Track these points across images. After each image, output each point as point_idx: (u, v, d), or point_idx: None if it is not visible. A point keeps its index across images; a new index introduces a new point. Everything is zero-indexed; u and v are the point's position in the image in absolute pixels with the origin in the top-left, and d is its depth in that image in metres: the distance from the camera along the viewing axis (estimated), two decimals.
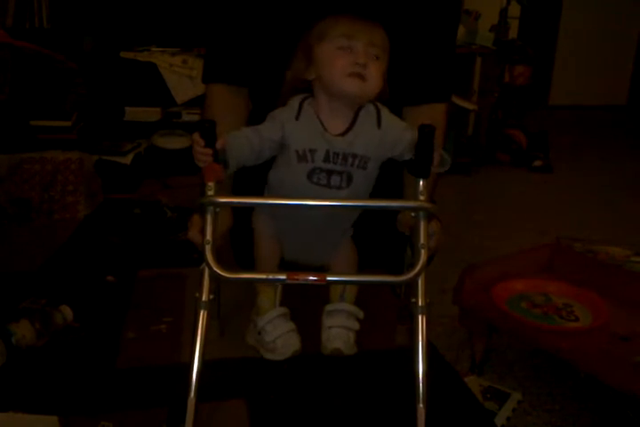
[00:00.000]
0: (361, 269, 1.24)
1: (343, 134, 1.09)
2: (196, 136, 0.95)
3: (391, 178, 1.20)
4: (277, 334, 1.19)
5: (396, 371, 1.16)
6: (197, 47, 3.05)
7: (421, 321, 0.99)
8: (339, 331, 1.20)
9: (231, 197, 1.09)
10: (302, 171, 1.09)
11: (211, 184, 0.98)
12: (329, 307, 1.22)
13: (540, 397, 1.52)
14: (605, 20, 5.63)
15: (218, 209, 0.99)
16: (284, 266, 1.22)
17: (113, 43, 3.05)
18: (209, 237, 0.97)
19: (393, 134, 1.10)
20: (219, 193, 0.99)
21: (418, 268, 0.97)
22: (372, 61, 1.05)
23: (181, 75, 3.03)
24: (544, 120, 4.73)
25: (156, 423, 1.04)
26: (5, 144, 2.42)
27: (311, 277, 0.96)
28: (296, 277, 0.95)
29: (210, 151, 0.95)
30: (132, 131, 3.06)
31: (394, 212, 1.21)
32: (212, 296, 1.00)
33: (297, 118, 1.09)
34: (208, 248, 0.96)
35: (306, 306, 1.26)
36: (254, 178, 1.18)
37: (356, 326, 1.21)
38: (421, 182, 1.03)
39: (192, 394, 0.95)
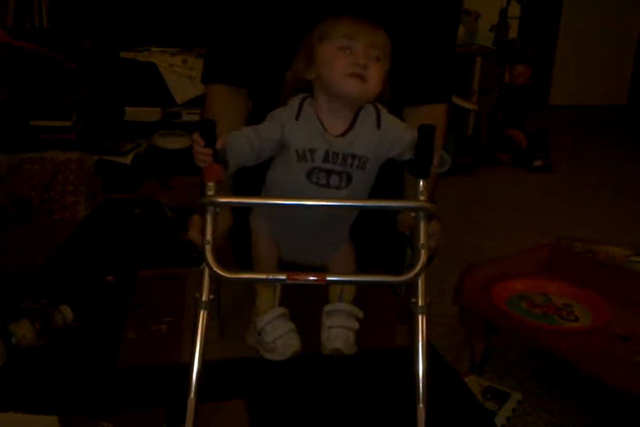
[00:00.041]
0: (361, 270, 1.24)
1: (343, 135, 1.09)
2: (196, 136, 0.95)
3: (391, 178, 1.20)
4: (277, 335, 1.19)
5: (396, 371, 1.16)
6: (197, 47, 3.05)
7: (421, 321, 0.99)
8: (338, 331, 1.19)
9: (231, 197, 1.09)
10: (302, 170, 1.09)
11: (211, 184, 0.98)
12: (328, 307, 1.22)
13: (539, 397, 1.52)
14: (605, 20, 5.63)
15: (218, 209, 0.99)
16: (282, 266, 1.22)
17: (113, 43, 3.05)
18: (209, 237, 0.97)
19: (392, 135, 1.10)
20: (219, 193, 0.99)
21: (418, 268, 0.97)
22: (373, 63, 1.05)
23: (181, 75, 3.03)
24: (544, 120, 4.74)
25: (156, 423, 1.04)
26: (5, 144, 2.42)
27: (311, 278, 0.95)
28: (296, 277, 0.95)
29: (210, 151, 0.95)
30: (132, 131, 3.06)
31: (394, 212, 1.21)
32: (212, 296, 1.00)
33: (297, 118, 1.09)
34: (208, 248, 0.96)
35: (305, 306, 1.26)
36: (252, 178, 1.18)
37: (356, 325, 1.21)
38: (421, 182, 1.03)
39: (192, 394, 0.95)
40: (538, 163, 3.82)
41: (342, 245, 1.24)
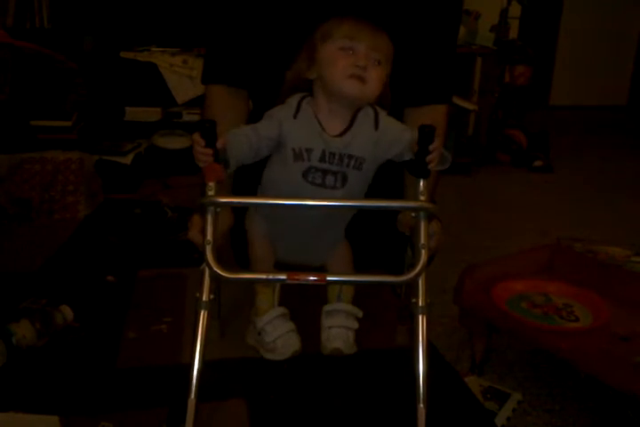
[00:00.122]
0: (361, 270, 1.24)
1: (341, 135, 1.09)
2: (197, 136, 0.95)
3: (391, 179, 1.20)
4: (277, 335, 1.19)
5: (397, 371, 1.16)
6: (197, 47, 3.05)
7: (422, 321, 0.99)
8: (338, 331, 1.20)
9: (232, 197, 1.09)
10: (298, 169, 1.09)
11: (211, 184, 0.98)
12: (327, 307, 1.22)
13: (539, 397, 1.52)
14: (605, 20, 5.64)
15: (218, 209, 0.99)
16: (279, 267, 1.22)
17: (113, 43, 3.05)
18: (209, 237, 0.97)
19: (391, 134, 1.10)
20: (219, 193, 0.99)
21: (418, 268, 0.97)
22: (374, 65, 1.06)
23: (182, 75, 3.03)
24: (544, 120, 4.74)
25: (157, 423, 1.04)
26: (6, 144, 2.42)
27: (311, 278, 0.96)
28: (296, 277, 0.96)
29: (210, 151, 0.95)
30: (133, 131, 3.06)
31: (394, 212, 1.21)
32: (212, 296, 1.00)
33: (295, 117, 1.09)
34: (208, 248, 0.96)
35: (305, 306, 1.26)
36: (249, 178, 1.18)
37: (356, 325, 1.21)
38: (422, 182, 1.03)
39: (192, 395, 0.95)
40: (538, 163, 3.82)
41: (339, 244, 1.24)
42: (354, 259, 1.25)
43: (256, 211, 1.21)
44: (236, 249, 1.39)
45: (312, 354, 1.20)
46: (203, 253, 0.97)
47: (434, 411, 0.96)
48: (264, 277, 1.07)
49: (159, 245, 1.99)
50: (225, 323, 1.31)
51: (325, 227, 1.18)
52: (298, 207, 1.07)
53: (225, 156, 0.99)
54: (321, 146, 1.08)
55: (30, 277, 1.65)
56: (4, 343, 1.21)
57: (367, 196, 1.16)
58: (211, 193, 0.98)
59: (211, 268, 0.96)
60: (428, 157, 1.00)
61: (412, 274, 0.97)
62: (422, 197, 1.02)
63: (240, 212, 1.22)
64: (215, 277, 0.99)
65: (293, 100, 1.11)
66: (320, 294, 1.23)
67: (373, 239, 1.38)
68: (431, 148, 0.99)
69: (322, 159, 1.08)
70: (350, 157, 1.09)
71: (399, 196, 1.22)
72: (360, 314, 1.22)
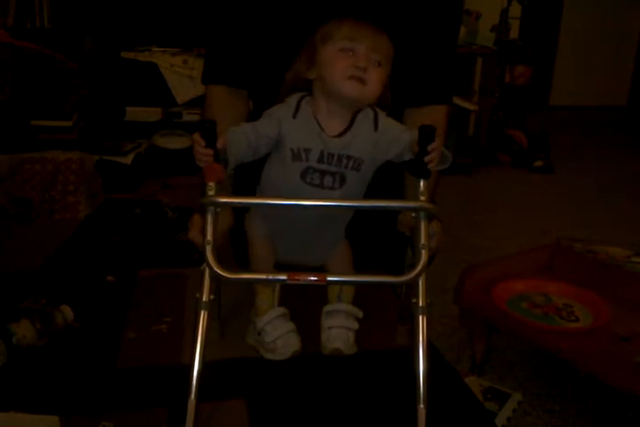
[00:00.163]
0: (361, 270, 1.24)
1: (340, 135, 1.09)
2: (197, 136, 0.95)
3: (391, 179, 1.20)
4: (277, 335, 1.19)
5: (397, 371, 1.16)
6: (198, 47, 3.05)
7: (422, 321, 0.99)
8: (338, 331, 1.20)
9: (232, 198, 1.09)
10: (296, 170, 1.09)
11: (211, 184, 0.98)
12: (327, 308, 1.22)
13: (540, 397, 1.52)
14: (605, 20, 5.64)
15: (218, 209, 0.99)
16: (279, 267, 1.22)
17: (113, 43, 3.05)
18: (209, 237, 0.97)
19: (390, 135, 1.10)
20: (219, 193, 0.99)
21: (418, 268, 0.97)
22: (374, 67, 1.06)
23: (182, 75, 3.04)
24: (545, 120, 4.74)
25: (157, 424, 1.04)
26: (6, 144, 2.42)
27: (312, 278, 0.95)
28: (297, 277, 0.95)
29: (210, 151, 0.95)
30: (133, 131, 3.06)
31: (394, 212, 1.21)
32: (212, 297, 1.00)
33: (294, 117, 1.09)
34: (209, 248, 0.96)
35: (305, 306, 1.26)
36: (248, 178, 1.18)
37: (356, 325, 1.21)
38: (422, 183, 1.03)
39: (192, 395, 0.94)
40: (538, 163, 3.82)
41: (339, 245, 1.24)
42: (354, 259, 1.25)
43: (256, 211, 1.21)
44: (235, 249, 1.39)
45: (312, 354, 1.20)
46: (203, 254, 0.97)
47: (434, 411, 0.96)
48: (264, 277, 1.07)
49: (159, 245, 1.99)
50: (225, 323, 1.31)
51: (325, 227, 1.18)
52: (297, 207, 1.07)
53: (225, 156, 0.99)
54: (319, 146, 1.08)
55: (30, 277, 1.65)
56: (4, 343, 1.21)
57: (367, 196, 1.16)
58: (211, 193, 0.98)
59: (211, 268, 0.96)
60: (428, 157, 1.00)
61: (413, 274, 0.97)
62: (422, 198, 1.02)
63: (240, 212, 1.22)
64: (215, 278, 0.98)
65: (293, 100, 1.11)
66: (320, 294, 1.23)
67: (373, 239, 1.38)
68: (430, 148, 0.99)
69: (320, 160, 1.08)
70: (349, 157, 1.09)
71: (399, 196, 1.22)
72: (360, 314, 1.22)
